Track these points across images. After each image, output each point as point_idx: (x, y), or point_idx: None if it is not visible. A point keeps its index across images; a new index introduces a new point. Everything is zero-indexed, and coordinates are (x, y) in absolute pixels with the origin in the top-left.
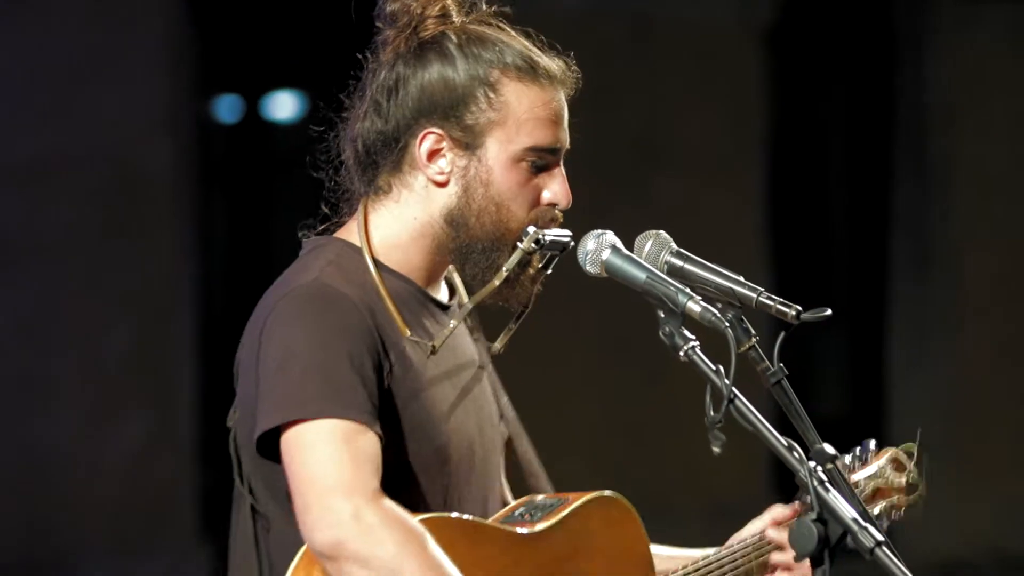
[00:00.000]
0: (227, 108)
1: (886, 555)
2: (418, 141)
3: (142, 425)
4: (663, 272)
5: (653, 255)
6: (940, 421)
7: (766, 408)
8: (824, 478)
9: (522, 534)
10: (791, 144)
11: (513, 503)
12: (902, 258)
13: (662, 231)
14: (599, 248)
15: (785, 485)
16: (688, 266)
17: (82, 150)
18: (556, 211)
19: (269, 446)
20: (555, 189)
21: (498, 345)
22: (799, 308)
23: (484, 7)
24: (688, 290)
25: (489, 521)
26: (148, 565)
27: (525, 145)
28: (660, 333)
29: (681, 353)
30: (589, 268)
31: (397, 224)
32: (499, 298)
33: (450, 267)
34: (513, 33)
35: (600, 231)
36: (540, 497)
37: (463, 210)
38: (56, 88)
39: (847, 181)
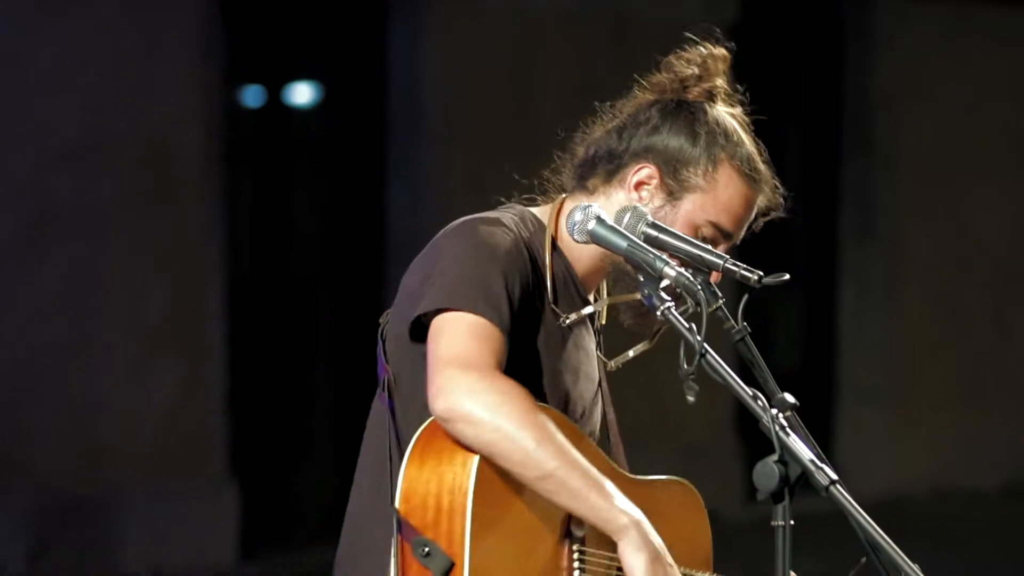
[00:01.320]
0: (252, 95)
1: (839, 492)
2: (635, 169)
3: (177, 376)
4: (641, 241)
5: (631, 226)
6: (883, 371)
7: (731, 361)
8: (784, 424)
9: (615, 468)
10: (752, 128)
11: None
12: (849, 228)
13: (639, 205)
14: (586, 219)
15: (749, 430)
16: (662, 236)
17: (123, 132)
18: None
19: (420, 332)
20: None
21: (612, 364)
22: (760, 273)
23: (741, 107)
24: (664, 256)
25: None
26: (182, 501)
27: (710, 218)
28: (639, 294)
29: (658, 312)
30: (576, 237)
31: None
32: (629, 317)
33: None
34: (749, 135)
35: (586, 204)
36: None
37: None
38: (100, 78)
39: (801, 160)
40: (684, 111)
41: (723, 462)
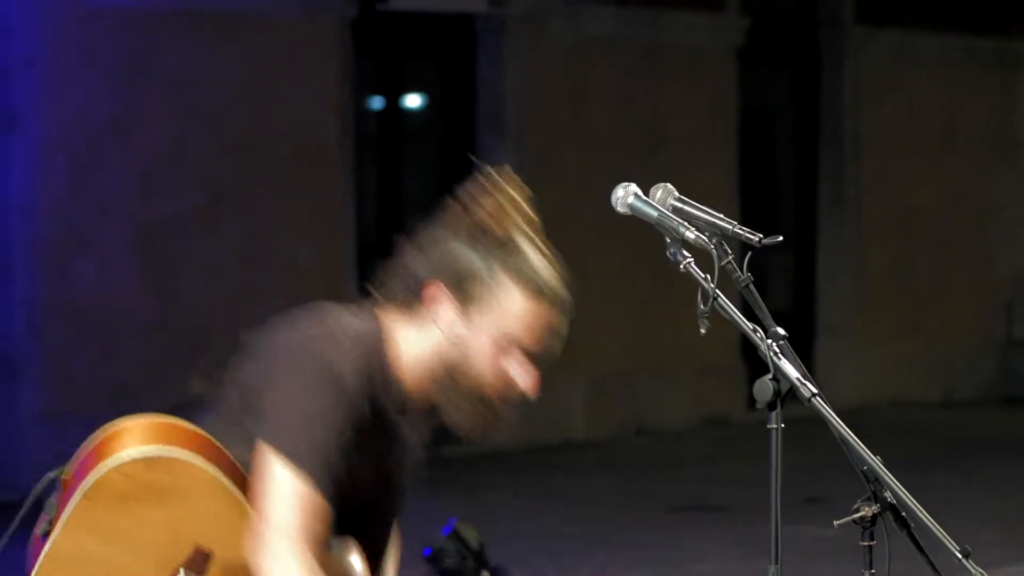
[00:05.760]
0: (375, 102)
1: (819, 403)
2: (427, 285)
3: None
4: (669, 212)
5: (662, 200)
6: (852, 309)
7: (737, 303)
8: (777, 350)
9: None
10: (754, 128)
11: None
12: (826, 200)
13: (668, 183)
14: (626, 195)
15: (750, 355)
16: (686, 207)
17: (279, 131)
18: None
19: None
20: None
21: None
22: (760, 235)
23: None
24: (686, 223)
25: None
26: None
27: (506, 330)
28: (667, 252)
29: (681, 266)
30: (619, 209)
31: None
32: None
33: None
34: (542, 255)
35: (626, 183)
36: None
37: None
38: (262, 90)
39: (791, 148)
40: (476, 232)
41: (731, 379)
